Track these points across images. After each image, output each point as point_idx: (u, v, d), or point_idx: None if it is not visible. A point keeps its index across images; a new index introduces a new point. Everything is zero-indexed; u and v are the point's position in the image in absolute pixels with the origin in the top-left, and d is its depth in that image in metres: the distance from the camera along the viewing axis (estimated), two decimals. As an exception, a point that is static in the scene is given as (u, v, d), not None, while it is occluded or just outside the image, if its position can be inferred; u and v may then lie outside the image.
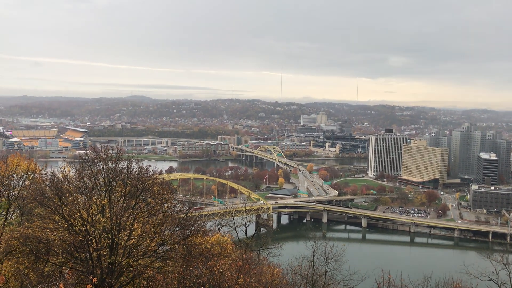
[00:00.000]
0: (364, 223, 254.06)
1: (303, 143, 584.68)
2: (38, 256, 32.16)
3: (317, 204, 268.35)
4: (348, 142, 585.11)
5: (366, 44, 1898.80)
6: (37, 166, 51.88)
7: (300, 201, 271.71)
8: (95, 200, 35.27)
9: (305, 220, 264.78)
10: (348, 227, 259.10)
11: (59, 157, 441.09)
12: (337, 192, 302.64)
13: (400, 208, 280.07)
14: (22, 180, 49.09)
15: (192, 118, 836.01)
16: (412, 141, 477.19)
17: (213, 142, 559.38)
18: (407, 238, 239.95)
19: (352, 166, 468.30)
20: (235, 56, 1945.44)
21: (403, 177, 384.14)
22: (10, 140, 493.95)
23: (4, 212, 45.13)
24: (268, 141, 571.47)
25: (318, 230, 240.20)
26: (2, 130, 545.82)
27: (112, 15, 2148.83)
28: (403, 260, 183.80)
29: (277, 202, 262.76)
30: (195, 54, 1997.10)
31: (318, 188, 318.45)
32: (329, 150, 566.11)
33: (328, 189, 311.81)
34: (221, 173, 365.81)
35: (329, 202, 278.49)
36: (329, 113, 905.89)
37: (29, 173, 49.03)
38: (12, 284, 30.81)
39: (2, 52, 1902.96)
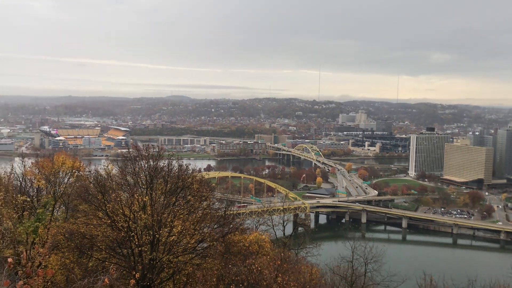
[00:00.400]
0: (404, 223, 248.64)
1: (341, 142, 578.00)
2: (83, 251, 33.22)
3: (356, 204, 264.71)
4: (388, 141, 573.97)
5: (407, 40, 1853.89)
6: (82, 164, 53.51)
7: (338, 201, 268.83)
8: (137, 197, 36.02)
9: (343, 220, 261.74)
10: (388, 227, 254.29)
11: (102, 155, 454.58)
12: (377, 192, 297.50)
13: (442, 209, 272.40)
14: (67, 177, 50.76)
15: (230, 117, 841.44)
16: (455, 140, 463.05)
17: (250, 141, 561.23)
18: (449, 240, 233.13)
19: (392, 165, 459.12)
20: (273, 55, 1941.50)
21: (445, 177, 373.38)
22: (56, 139, 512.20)
23: (50, 208, 46.83)
24: (306, 140, 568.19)
25: (357, 230, 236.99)
26: (48, 129, 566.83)
27: (152, 17, 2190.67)
28: (445, 262, 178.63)
29: (318, 202, 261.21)
30: (233, 54, 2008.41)
31: (357, 188, 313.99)
32: (368, 149, 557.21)
33: (367, 189, 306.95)
34: (258, 171, 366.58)
35: (368, 202, 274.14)
36: (369, 112, 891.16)
37: (74, 170, 50.57)
38: (58, 277, 31.89)
39: (48, 54, 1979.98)
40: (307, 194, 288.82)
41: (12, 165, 52.68)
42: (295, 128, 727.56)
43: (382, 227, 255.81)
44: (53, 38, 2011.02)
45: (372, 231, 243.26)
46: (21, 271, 10.01)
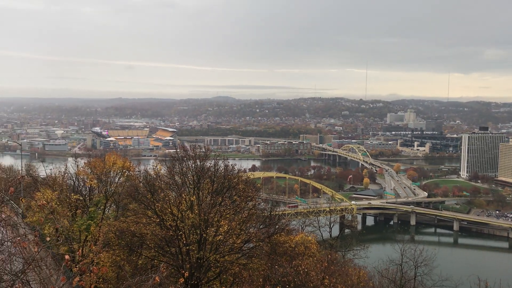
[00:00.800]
0: (456, 226, 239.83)
1: (389, 142, 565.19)
2: (132, 249, 34.10)
3: (405, 206, 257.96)
4: (439, 141, 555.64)
5: (458, 37, 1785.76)
6: (131, 164, 55.15)
7: (386, 202, 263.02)
8: (184, 197, 36.63)
9: (391, 222, 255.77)
10: (438, 230, 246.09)
11: (151, 156, 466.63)
12: (426, 194, 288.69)
13: (497, 212, 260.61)
14: (118, 177, 52.43)
15: (274, 117, 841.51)
16: (510, 139, 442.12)
17: (295, 141, 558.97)
18: (505, 244, 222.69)
19: (442, 166, 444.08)
20: (319, 54, 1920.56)
21: (500, 178, 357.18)
22: (107, 139, 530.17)
23: (102, 207, 48.46)
24: (352, 140, 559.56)
25: (406, 232, 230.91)
26: (99, 130, 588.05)
27: (199, 19, 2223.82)
28: (501, 268, 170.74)
29: (366, 203, 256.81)
30: (278, 53, 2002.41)
31: (405, 189, 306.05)
32: (417, 149, 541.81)
33: (416, 190, 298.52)
34: (303, 172, 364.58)
35: (418, 204, 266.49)
36: (418, 111, 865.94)
37: (124, 170, 52.20)
38: (109, 274, 32.85)
39: (99, 57, 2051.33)
40: (354, 195, 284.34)
41: (66, 165, 54.98)
42: (341, 128, 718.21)
43: (432, 230, 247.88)
44: (104, 42, 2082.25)
45: (421, 233, 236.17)
46: (77, 268, 10.37)
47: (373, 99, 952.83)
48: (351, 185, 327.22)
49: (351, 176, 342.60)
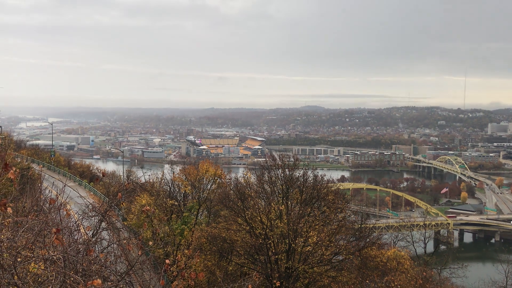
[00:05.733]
0: None
1: (490, 154, 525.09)
2: (223, 255, 34.98)
3: (509, 223, 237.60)
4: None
5: None
6: (222, 172, 56.77)
7: (487, 219, 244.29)
8: (273, 206, 36.89)
9: (493, 241, 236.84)
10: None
11: (240, 164, 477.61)
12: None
13: None
14: (210, 184, 54.20)
15: (365, 127, 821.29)
16: None
17: (387, 152, 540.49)
18: None
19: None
20: (414, 62, 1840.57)
21: None
22: (200, 147, 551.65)
23: (195, 213, 50.30)
24: (449, 152, 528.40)
25: (510, 252, 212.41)
26: (193, 139, 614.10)
27: (293, 30, 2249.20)
28: None
29: (461, 219, 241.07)
30: (372, 62, 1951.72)
31: (509, 204, 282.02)
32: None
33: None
34: (395, 184, 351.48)
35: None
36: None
37: (215, 178, 53.86)
38: (201, 278, 33.90)
39: (195, 69, 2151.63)
40: (450, 210, 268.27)
41: (162, 172, 57.92)
42: (436, 138, 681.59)
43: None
44: (201, 55, 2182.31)
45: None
46: (176, 272, 10.84)
47: (473, 108, 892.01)
48: (447, 199, 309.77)
49: (447, 189, 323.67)
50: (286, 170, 43.12)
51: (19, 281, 8.38)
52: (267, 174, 44.02)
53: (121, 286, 9.81)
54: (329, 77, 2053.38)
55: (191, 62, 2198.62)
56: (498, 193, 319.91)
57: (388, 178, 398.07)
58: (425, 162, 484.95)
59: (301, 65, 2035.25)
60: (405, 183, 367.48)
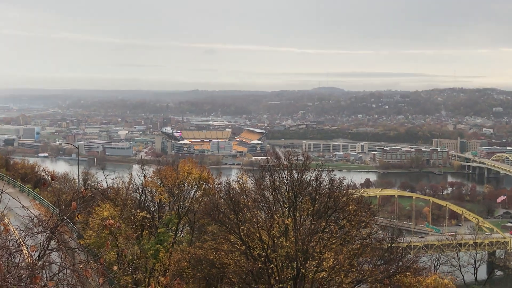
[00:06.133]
0: None
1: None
2: (211, 283, 35.14)
3: None
4: None
5: None
6: (210, 174, 56.78)
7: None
8: (277, 219, 36.96)
9: None
10: None
11: (234, 164, 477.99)
12: None
13: None
14: (194, 190, 54.24)
15: (397, 116, 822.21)
16: None
17: (425, 148, 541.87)
18: None
19: None
20: (461, 29, 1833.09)
21: None
22: (180, 142, 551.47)
23: (173, 228, 50.35)
24: (507, 148, 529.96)
25: None
26: (171, 131, 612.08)
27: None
28: None
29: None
30: (406, 29, 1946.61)
31: None
32: None
33: None
34: (437, 190, 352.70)
35: None
36: None
37: (201, 182, 53.87)
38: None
39: (173, 39, 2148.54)
40: (509, 224, 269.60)
41: (131, 174, 57.94)
42: (491, 130, 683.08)
43: None
44: (181, 19, 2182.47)
45: None
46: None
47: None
48: (505, 210, 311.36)
49: (505, 197, 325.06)
50: (294, 172, 43.17)
51: None
52: (268, 177, 44.08)
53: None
54: (350, 50, 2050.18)
55: (168, 29, 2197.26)
56: None
57: (427, 182, 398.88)
58: (476, 162, 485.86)
59: (315, 34, 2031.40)
60: (450, 189, 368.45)
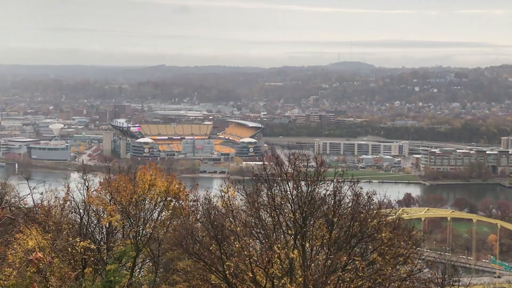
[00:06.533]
0: None
1: None
2: None
3: None
4: None
5: None
6: (182, 186, 56.63)
7: None
8: (278, 251, 36.95)
9: None
10: None
11: (215, 172, 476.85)
12: None
13: None
14: (158, 209, 54.11)
15: (451, 103, 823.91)
16: None
17: (491, 150, 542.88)
18: None
19: None
20: None
21: None
22: (138, 141, 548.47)
23: (129, 264, 50.29)
24: None
25: None
26: (125, 125, 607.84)
27: None
28: None
29: None
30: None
31: None
32: None
33: None
34: (507, 210, 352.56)
35: None
36: None
37: (169, 198, 53.74)
38: None
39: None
40: None
41: (68, 186, 57.63)
42: None
43: None
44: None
45: None
46: None
47: None
48: None
49: None
50: (303, 183, 43.15)
51: None
52: (266, 191, 44.04)
53: None
54: (382, 8, 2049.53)
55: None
56: None
57: (494, 198, 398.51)
58: None
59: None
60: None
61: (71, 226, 51.25)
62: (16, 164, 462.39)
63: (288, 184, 43.55)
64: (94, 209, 52.14)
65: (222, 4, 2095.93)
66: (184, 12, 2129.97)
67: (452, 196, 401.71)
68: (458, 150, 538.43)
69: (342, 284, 35.53)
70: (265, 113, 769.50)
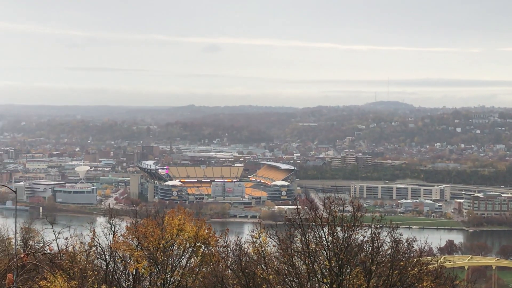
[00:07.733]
0: None
1: None
2: None
3: None
4: None
5: None
6: (212, 231, 56.56)
7: None
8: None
9: None
10: None
11: (246, 216, 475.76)
12: None
13: None
14: (187, 256, 54.02)
15: (495, 145, 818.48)
16: None
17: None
18: None
19: None
20: None
21: None
22: (166, 183, 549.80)
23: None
24: None
25: None
26: (153, 167, 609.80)
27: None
28: None
29: None
30: (508, 14, 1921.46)
31: None
32: None
33: None
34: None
35: None
36: None
37: (198, 244, 53.67)
38: None
39: (158, 32, 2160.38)
40: None
41: (93, 231, 57.84)
42: None
43: None
44: (171, 5, 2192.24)
45: None
46: None
47: None
48: None
49: None
50: (338, 229, 43.01)
51: None
52: (300, 237, 43.94)
53: None
54: (421, 46, 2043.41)
55: (151, 17, 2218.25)
56: None
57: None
58: None
59: (367, 24, 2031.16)
60: None
61: (96, 272, 51.45)
62: (41, 208, 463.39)
63: (323, 230, 43.47)
64: (121, 255, 52.29)
65: (253, 43, 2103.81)
66: (214, 51, 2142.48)
67: (497, 244, 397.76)
68: (503, 195, 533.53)
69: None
70: (299, 154, 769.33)
